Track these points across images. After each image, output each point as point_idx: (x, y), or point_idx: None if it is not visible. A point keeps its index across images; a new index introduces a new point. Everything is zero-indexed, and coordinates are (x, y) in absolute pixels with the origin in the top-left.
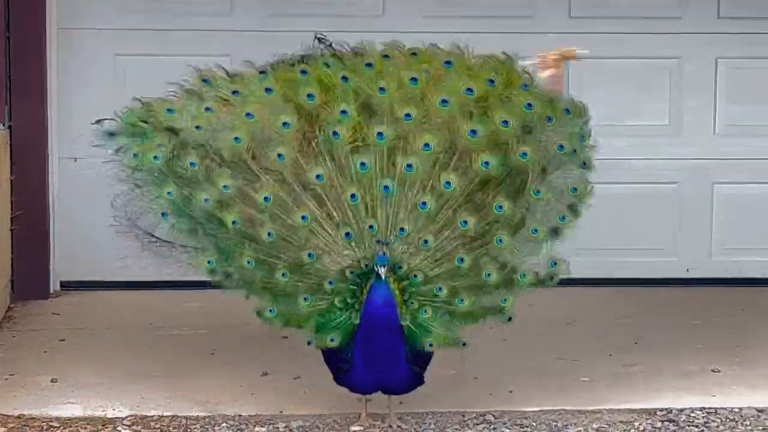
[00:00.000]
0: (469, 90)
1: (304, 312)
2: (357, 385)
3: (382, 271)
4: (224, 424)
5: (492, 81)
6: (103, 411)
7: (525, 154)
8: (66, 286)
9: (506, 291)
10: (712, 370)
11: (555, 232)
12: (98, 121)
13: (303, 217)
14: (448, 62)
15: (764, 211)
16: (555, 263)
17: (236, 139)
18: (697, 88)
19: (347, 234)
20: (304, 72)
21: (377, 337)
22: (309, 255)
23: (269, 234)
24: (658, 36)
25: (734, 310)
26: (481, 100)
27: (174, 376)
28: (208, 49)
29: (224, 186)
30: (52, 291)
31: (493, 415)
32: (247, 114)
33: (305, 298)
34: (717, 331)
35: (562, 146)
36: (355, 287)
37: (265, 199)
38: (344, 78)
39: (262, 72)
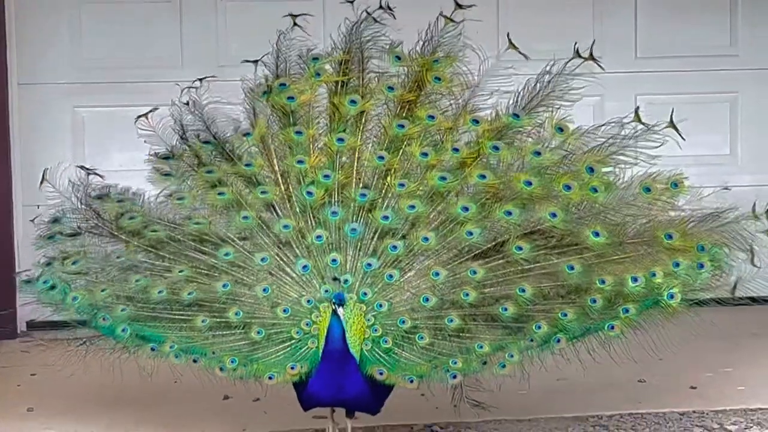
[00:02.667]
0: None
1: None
2: (316, 396)
3: (340, 311)
4: None
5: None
6: None
7: (510, 212)
8: (32, 326)
9: (468, 349)
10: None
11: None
12: (88, 171)
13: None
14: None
15: None
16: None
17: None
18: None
19: (305, 266)
20: (299, 133)
21: (330, 359)
22: (264, 289)
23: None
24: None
25: None
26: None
27: (141, 402)
28: (160, 99)
29: (179, 270)
30: (19, 331)
31: (440, 426)
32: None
33: (258, 331)
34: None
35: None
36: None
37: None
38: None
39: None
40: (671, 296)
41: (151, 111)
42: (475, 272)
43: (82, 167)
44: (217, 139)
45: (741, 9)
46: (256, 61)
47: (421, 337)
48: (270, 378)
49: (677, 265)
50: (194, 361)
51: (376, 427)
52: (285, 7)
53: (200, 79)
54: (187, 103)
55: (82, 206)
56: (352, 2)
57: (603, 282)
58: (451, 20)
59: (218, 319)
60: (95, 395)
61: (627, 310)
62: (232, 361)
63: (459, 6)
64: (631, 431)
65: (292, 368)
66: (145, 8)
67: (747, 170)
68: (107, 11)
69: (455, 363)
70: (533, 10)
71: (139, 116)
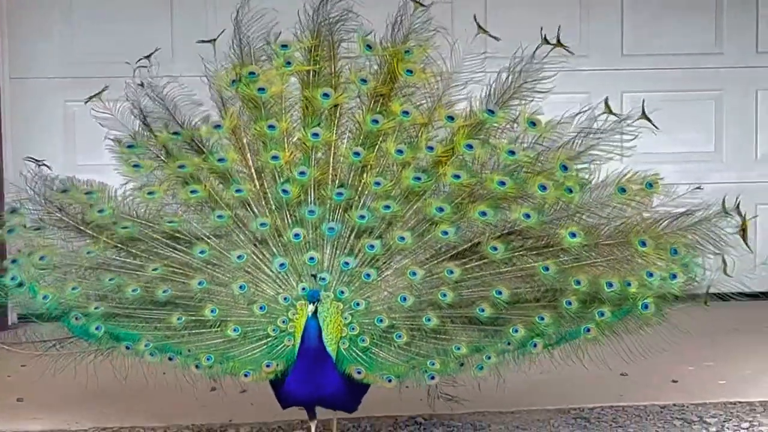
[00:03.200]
0: (430, 148)
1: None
2: (293, 395)
3: (311, 307)
4: None
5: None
6: (67, 425)
7: (484, 212)
8: (23, 318)
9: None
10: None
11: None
12: (36, 162)
13: (239, 257)
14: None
15: None
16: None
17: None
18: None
19: (282, 264)
20: (272, 127)
21: (306, 357)
22: (241, 287)
23: (200, 282)
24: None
25: None
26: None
27: (130, 393)
28: None
29: (154, 269)
30: (10, 323)
31: (423, 418)
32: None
33: (234, 329)
34: None
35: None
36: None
37: (201, 252)
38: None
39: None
40: (645, 306)
41: (102, 91)
42: (452, 272)
43: (30, 158)
44: (186, 130)
45: (726, 9)
46: (213, 41)
47: (399, 336)
48: (245, 375)
49: (650, 275)
50: (170, 359)
51: (361, 418)
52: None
53: (147, 56)
54: (142, 84)
55: (41, 198)
56: None
57: (578, 283)
58: (420, 4)
59: (194, 317)
60: (85, 386)
61: (602, 314)
62: (207, 359)
63: None
64: (612, 423)
65: (268, 366)
66: (136, 3)
67: (731, 167)
68: (98, 6)
69: (433, 364)
70: (521, 9)
71: (90, 97)
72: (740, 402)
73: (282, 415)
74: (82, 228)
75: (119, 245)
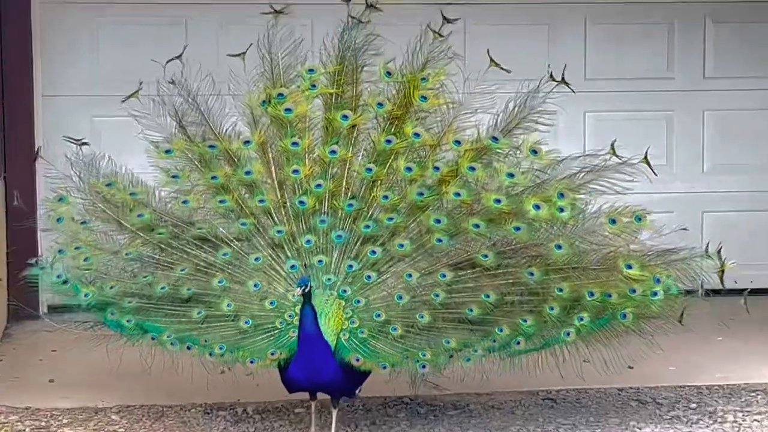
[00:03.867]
0: (436, 168)
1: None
2: (295, 379)
3: (298, 291)
4: (193, 410)
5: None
6: (93, 403)
7: (477, 225)
8: (54, 308)
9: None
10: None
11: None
12: (79, 142)
13: (256, 258)
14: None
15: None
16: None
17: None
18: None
19: (293, 266)
20: (295, 144)
21: (305, 344)
22: (254, 285)
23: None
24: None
25: None
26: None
27: (149, 375)
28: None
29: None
30: (41, 312)
31: (409, 398)
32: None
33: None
34: None
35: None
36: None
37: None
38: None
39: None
40: (624, 316)
41: (137, 91)
42: (444, 275)
43: (68, 138)
44: (221, 142)
45: (677, 39)
46: (242, 54)
47: (395, 329)
48: (251, 362)
49: (633, 291)
50: (188, 348)
51: (354, 398)
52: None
53: (177, 57)
54: (172, 82)
55: (86, 186)
56: (348, 2)
57: (560, 290)
58: (439, 34)
59: (212, 311)
60: (109, 368)
61: (582, 318)
62: (220, 348)
63: (447, 20)
64: (576, 404)
65: (272, 354)
66: (155, 29)
67: (681, 179)
68: (120, 30)
69: (424, 355)
70: (494, 38)
71: (127, 96)
72: (688, 386)
73: (284, 396)
74: (123, 222)
75: (153, 246)
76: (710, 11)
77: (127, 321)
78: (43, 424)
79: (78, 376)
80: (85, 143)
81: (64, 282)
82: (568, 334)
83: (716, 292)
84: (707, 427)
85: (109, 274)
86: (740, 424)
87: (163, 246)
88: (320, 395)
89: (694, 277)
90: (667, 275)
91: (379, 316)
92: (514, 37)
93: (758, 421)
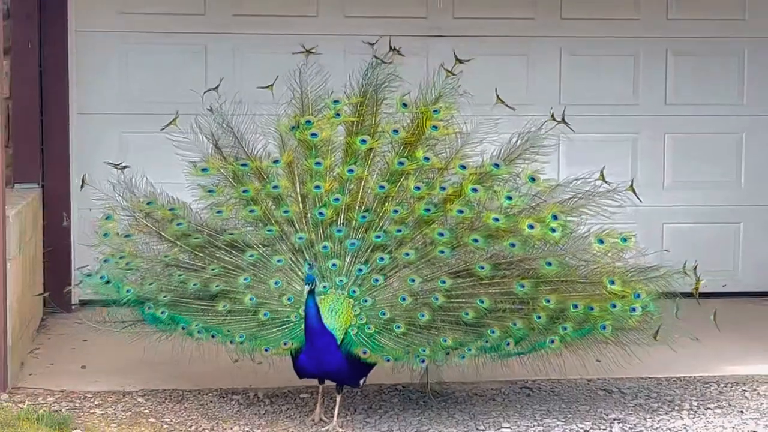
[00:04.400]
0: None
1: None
2: (304, 367)
3: (307, 288)
4: (210, 394)
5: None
6: (121, 387)
7: (476, 239)
8: (84, 302)
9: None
10: None
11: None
12: (120, 166)
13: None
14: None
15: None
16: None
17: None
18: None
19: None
20: (318, 164)
21: (311, 335)
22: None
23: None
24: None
25: None
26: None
27: (173, 363)
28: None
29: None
30: (73, 306)
31: (402, 386)
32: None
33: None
34: None
35: (497, 218)
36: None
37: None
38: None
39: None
40: (603, 327)
41: (174, 119)
42: (444, 282)
43: (108, 163)
44: (252, 161)
45: (642, 68)
46: (269, 86)
47: (398, 327)
48: (266, 350)
49: (614, 306)
50: (212, 336)
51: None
52: (288, 56)
53: (214, 88)
54: (210, 109)
55: (128, 205)
56: (373, 44)
57: (548, 301)
58: (451, 73)
59: (236, 305)
60: (135, 357)
61: (565, 328)
62: (240, 337)
63: (459, 61)
64: (550, 392)
65: (285, 344)
66: (177, 55)
67: (644, 194)
68: (148, 56)
69: (424, 350)
70: (478, 64)
71: (167, 124)
72: (650, 377)
73: (291, 382)
74: (162, 234)
75: (189, 250)
76: (671, 45)
77: (161, 313)
78: (76, 405)
79: (107, 363)
80: (125, 167)
81: (107, 282)
82: (553, 341)
83: (673, 295)
84: (666, 413)
85: (148, 274)
86: (695, 411)
87: (197, 251)
88: (327, 382)
89: (671, 292)
90: (647, 291)
91: (384, 314)
92: (495, 64)
93: (711, 409)
